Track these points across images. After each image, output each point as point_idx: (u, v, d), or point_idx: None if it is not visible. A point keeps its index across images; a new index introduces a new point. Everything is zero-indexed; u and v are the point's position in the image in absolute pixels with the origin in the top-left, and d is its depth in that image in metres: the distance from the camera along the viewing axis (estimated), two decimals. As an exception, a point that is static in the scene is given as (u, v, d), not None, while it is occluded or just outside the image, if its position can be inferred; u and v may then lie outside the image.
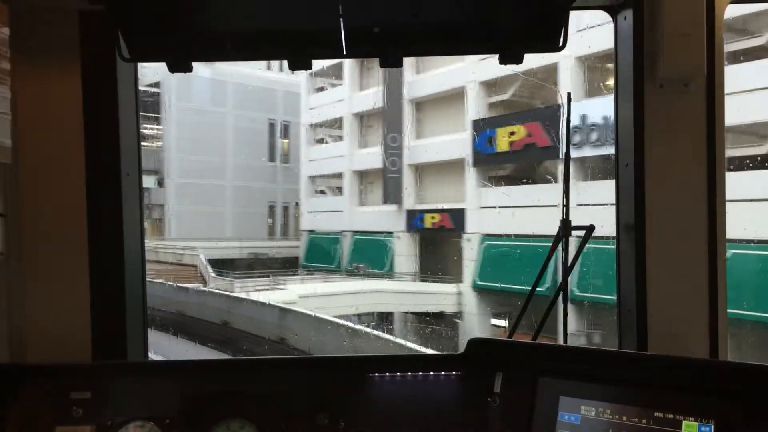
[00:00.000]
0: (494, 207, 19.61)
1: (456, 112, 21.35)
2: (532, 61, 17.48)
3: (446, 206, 21.94)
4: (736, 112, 15.60)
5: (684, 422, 1.67)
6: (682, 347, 2.13)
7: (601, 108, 16.61)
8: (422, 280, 22.09)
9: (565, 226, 2.26)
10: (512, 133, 19.34)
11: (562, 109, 17.96)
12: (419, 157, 22.92)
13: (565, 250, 2.27)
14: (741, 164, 14.38)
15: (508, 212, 18.79)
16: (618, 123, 2.32)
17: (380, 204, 24.50)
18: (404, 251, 23.49)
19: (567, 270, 2.26)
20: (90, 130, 2.20)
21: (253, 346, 16.21)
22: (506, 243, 18.70)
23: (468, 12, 1.92)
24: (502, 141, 19.66)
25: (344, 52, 1.95)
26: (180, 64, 1.96)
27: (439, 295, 19.92)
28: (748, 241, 13.14)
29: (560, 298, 2.29)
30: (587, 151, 16.93)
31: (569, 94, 2.59)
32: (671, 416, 1.68)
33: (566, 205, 2.29)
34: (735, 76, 14.16)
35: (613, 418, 1.76)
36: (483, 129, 20.24)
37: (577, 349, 2.01)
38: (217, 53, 2.07)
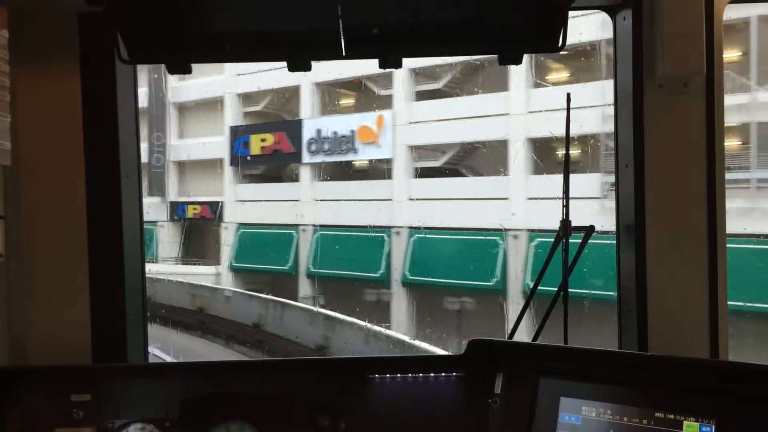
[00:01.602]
0: (248, 200, 23.09)
1: (215, 118, 24.29)
2: (283, 80, 21.47)
3: (207, 199, 24.69)
4: (420, 135, 21.31)
5: (685, 422, 1.65)
6: (682, 347, 2.11)
7: (332, 124, 21.07)
8: (184, 264, 24.45)
9: (565, 226, 2.22)
10: (263, 140, 22.98)
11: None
12: (182, 155, 25.37)
13: (566, 250, 2.23)
14: (427, 173, 19.78)
15: (259, 205, 22.42)
16: (617, 123, 2.29)
17: (146, 196, 26.28)
18: (168, 238, 25.67)
19: (567, 270, 2.22)
20: (89, 132, 2.19)
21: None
22: (257, 231, 22.39)
23: (467, 13, 1.91)
24: (255, 146, 23.17)
25: (343, 54, 1.93)
26: (179, 66, 1.95)
27: (199, 276, 22.47)
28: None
29: (555, 299, 2.27)
30: (320, 158, 21.32)
31: (569, 95, 2.56)
32: (672, 416, 1.67)
33: (566, 205, 2.26)
34: (420, 111, 19.65)
35: (613, 419, 1.74)
36: (239, 134, 23.52)
37: (578, 349, 1.96)
38: (216, 54, 2.03)
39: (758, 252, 14.48)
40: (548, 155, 18.98)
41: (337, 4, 1.81)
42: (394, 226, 19.05)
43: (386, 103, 20.34)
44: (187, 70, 1.97)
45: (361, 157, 20.85)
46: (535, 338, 2.26)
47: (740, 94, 15.41)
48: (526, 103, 18.08)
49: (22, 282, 2.17)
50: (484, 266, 17.95)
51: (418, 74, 19.67)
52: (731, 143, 16.27)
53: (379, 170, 20.60)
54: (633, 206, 2.20)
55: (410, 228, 18.87)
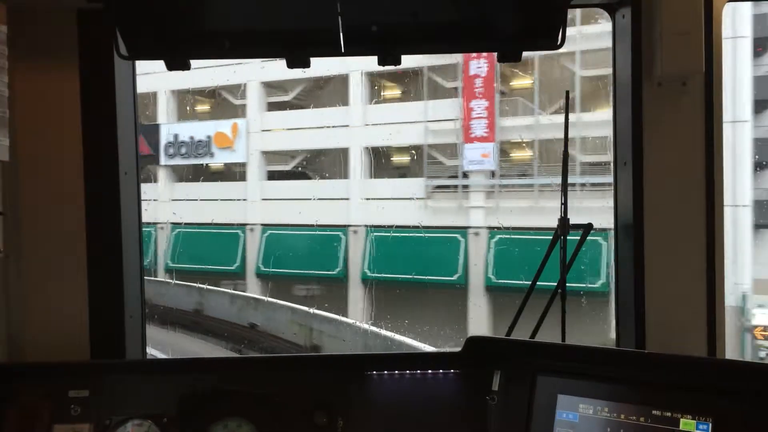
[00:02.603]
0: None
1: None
2: (141, 86, 22.69)
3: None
4: (272, 141, 23.47)
5: (682, 420, 1.66)
6: (680, 345, 2.12)
7: (189, 130, 22.58)
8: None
9: (564, 224, 2.22)
10: (123, 143, 23.80)
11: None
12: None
13: (563, 248, 2.23)
14: (278, 176, 21.98)
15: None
16: (616, 122, 2.30)
17: None
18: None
19: (565, 268, 2.23)
20: (88, 128, 2.18)
21: None
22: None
23: (466, 11, 1.90)
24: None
25: (342, 51, 1.93)
26: (178, 62, 1.94)
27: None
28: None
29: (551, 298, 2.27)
30: (178, 161, 22.77)
31: (567, 93, 2.55)
32: (669, 414, 1.67)
33: (564, 204, 2.25)
34: (272, 120, 21.86)
35: (611, 416, 1.74)
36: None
37: (576, 347, 1.97)
38: (215, 51, 2.01)
39: (540, 241, 18.64)
40: (383, 162, 22.12)
41: (337, 1, 1.80)
42: (248, 224, 21.08)
43: (241, 112, 22.25)
44: (185, 67, 1.97)
45: (218, 160, 22.48)
46: (532, 336, 2.27)
47: (528, 116, 19.49)
48: (364, 117, 21.05)
49: (20, 278, 2.17)
50: (329, 258, 20.70)
51: (270, 86, 21.83)
52: (523, 155, 20.39)
53: (235, 173, 22.45)
54: (631, 205, 2.19)
55: (263, 225, 21.06)
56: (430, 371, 2.01)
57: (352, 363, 2.09)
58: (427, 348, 12.64)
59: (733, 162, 16.97)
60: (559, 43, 1.87)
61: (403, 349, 13.42)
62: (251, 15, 1.91)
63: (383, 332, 14.24)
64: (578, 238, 2.28)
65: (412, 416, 1.98)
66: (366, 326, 15.01)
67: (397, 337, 13.91)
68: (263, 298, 17.09)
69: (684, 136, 2.14)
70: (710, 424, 1.63)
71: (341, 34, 1.88)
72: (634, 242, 2.19)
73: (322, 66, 19.85)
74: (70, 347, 2.16)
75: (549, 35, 1.88)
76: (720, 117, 2.15)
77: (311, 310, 15.64)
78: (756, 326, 16.09)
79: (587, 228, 2.19)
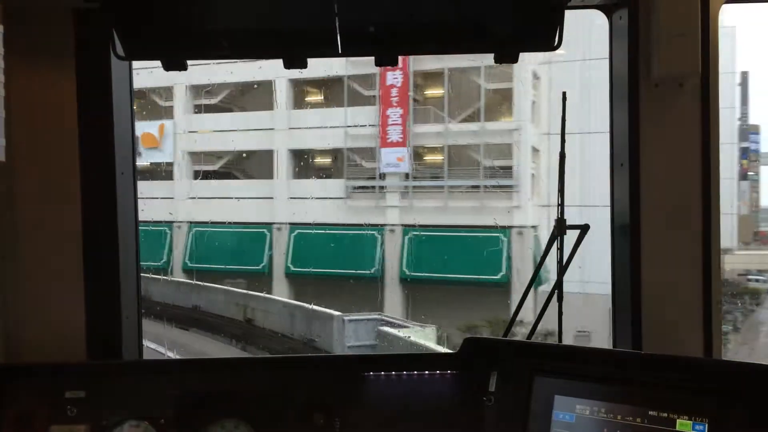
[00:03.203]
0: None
1: None
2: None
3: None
4: (199, 142, 24.20)
5: (678, 421, 1.66)
6: (676, 346, 2.12)
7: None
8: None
9: (560, 225, 2.22)
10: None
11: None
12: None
13: (560, 248, 2.23)
14: (205, 175, 22.78)
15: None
16: (613, 122, 2.30)
17: None
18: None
19: (562, 269, 2.23)
20: (85, 128, 2.18)
21: None
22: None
23: (464, 11, 1.90)
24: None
25: (339, 51, 1.93)
26: (175, 63, 1.94)
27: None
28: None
29: (549, 296, 2.24)
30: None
31: (564, 93, 2.53)
32: (665, 415, 1.68)
33: (561, 204, 2.25)
34: (198, 122, 22.65)
35: (607, 417, 1.75)
36: None
37: (572, 348, 1.99)
38: (212, 51, 2.01)
39: (449, 238, 20.58)
40: (306, 163, 23.44)
41: (333, 1, 1.80)
42: (176, 221, 21.80)
43: (168, 113, 22.90)
44: (182, 67, 1.95)
45: (145, 160, 22.94)
46: (529, 336, 2.28)
47: (439, 124, 21.38)
48: (288, 121, 22.31)
49: (17, 278, 2.17)
50: (254, 254, 21.85)
51: (196, 89, 22.66)
52: (435, 159, 22.28)
53: (162, 172, 23.02)
54: (628, 205, 2.19)
55: (190, 223, 21.84)
56: (427, 372, 2.03)
57: (349, 364, 2.13)
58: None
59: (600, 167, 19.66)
60: (555, 44, 1.88)
61: (321, 314, 15.80)
62: (248, 16, 1.93)
63: (304, 304, 16.44)
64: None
65: (410, 417, 1.99)
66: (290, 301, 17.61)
67: (317, 307, 15.82)
68: (205, 284, 18.22)
69: (680, 137, 2.16)
70: (706, 425, 1.63)
71: (338, 35, 1.88)
72: (630, 243, 2.19)
73: (247, 72, 21.04)
74: (67, 348, 2.16)
75: (546, 36, 1.89)
76: (717, 117, 2.16)
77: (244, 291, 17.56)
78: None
79: (584, 229, 2.21)
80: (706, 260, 2.15)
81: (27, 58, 2.14)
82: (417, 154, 22.33)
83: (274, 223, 22.05)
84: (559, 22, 1.85)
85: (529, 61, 19.86)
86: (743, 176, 26.29)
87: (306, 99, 23.50)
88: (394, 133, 21.37)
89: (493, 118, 21.43)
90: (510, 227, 20.13)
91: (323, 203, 21.89)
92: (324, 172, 23.50)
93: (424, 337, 14.25)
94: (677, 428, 1.67)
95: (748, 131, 27.33)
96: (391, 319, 16.13)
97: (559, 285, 2.25)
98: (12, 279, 2.17)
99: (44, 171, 2.18)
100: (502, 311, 16.59)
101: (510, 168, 20.92)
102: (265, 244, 21.91)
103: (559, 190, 2.30)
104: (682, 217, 2.16)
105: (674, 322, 2.16)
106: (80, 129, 2.18)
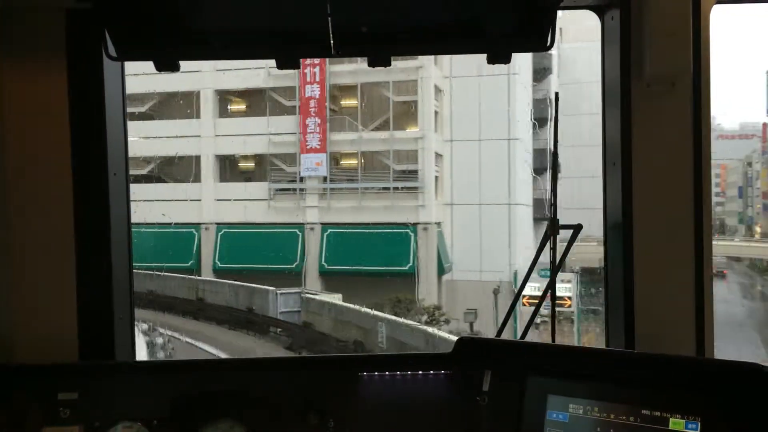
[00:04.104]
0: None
1: None
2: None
3: None
4: (131, 148, 25.30)
5: (671, 419, 1.66)
6: (669, 345, 2.12)
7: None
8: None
9: (553, 224, 2.23)
10: None
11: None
12: None
13: (553, 248, 2.23)
14: (135, 179, 24.04)
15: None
16: (605, 122, 2.31)
17: None
18: None
19: (555, 269, 2.24)
20: (77, 129, 2.15)
21: None
22: None
23: (456, 12, 1.91)
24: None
25: (332, 52, 1.91)
26: (167, 63, 1.94)
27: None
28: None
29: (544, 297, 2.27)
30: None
31: (557, 94, 2.53)
32: (658, 414, 1.67)
33: (554, 204, 2.28)
34: (150, 129, 23.68)
35: (600, 416, 1.75)
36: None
37: (566, 347, 2.00)
38: (205, 52, 2.01)
39: (364, 235, 23.07)
40: (232, 168, 25.24)
41: (327, 2, 1.78)
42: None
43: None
44: (175, 68, 1.94)
45: (73, 164, 23.89)
46: (523, 336, 2.28)
47: (353, 132, 23.85)
48: (214, 128, 24.03)
49: (8, 279, 2.14)
50: (183, 252, 23.41)
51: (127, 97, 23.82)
52: (350, 163, 24.70)
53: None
54: (620, 205, 2.19)
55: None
56: (420, 372, 2.01)
57: (343, 364, 2.12)
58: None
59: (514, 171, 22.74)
60: (548, 44, 1.88)
61: (259, 290, 19.84)
62: (241, 15, 1.89)
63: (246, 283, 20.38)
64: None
65: (403, 417, 1.98)
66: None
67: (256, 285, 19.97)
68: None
69: (672, 136, 2.15)
70: (699, 423, 1.62)
71: (331, 35, 1.85)
72: (623, 242, 2.18)
73: (174, 83, 22.58)
74: (59, 349, 2.12)
75: (538, 36, 1.87)
76: (708, 117, 2.16)
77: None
78: (524, 296, 22.15)
79: (577, 228, 2.22)
80: (698, 259, 2.15)
81: (19, 59, 2.12)
82: (334, 159, 24.70)
83: (201, 223, 23.69)
84: (551, 22, 1.86)
85: (429, 75, 22.75)
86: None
87: (230, 108, 25.30)
88: (313, 140, 23.62)
89: (400, 126, 24.09)
90: (416, 224, 22.95)
91: (247, 204, 23.69)
92: (248, 176, 25.22)
93: (334, 299, 20.17)
94: (670, 427, 1.65)
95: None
96: (312, 293, 21.41)
97: (552, 285, 2.28)
98: (4, 280, 2.14)
99: (36, 171, 2.15)
100: (404, 294, 20.50)
101: (416, 171, 23.67)
102: (193, 243, 23.52)
103: (551, 190, 2.37)
104: (674, 216, 2.17)
105: (667, 320, 2.16)
106: (72, 130, 2.16)
